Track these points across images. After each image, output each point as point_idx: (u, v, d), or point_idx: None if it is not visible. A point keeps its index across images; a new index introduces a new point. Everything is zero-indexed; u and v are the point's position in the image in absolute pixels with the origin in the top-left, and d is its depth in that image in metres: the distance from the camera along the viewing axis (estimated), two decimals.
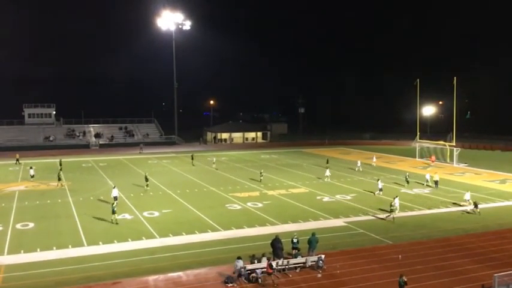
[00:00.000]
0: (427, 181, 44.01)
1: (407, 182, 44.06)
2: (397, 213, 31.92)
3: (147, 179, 43.52)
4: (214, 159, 60.84)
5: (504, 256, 24.37)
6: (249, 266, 21.33)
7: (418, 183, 45.13)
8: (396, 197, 32.78)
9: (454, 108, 59.01)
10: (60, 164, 56.80)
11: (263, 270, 21.26)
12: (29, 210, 35.05)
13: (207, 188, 43.91)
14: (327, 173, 47.81)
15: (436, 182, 42.70)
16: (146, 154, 73.65)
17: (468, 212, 33.68)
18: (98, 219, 31.93)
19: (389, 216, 31.71)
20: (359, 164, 55.04)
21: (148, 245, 26.51)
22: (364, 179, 48.22)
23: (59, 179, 45.66)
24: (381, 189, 39.63)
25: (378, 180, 41.53)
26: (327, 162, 58.05)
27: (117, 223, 30.35)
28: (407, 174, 46.21)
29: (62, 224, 30.94)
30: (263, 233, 28.34)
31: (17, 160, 62.11)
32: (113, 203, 31.76)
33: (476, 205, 33.65)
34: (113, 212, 30.60)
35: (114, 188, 37.09)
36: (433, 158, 61.21)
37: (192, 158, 61.99)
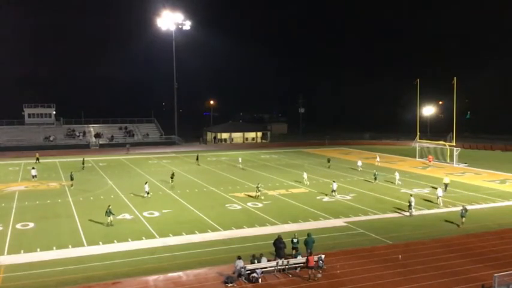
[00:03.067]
0: (446, 185, 41.97)
1: (375, 178, 45.48)
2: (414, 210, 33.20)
3: (173, 176, 45.68)
4: (240, 159, 60.45)
5: (504, 256, 24.35)
6: (249, 266, 21.34)
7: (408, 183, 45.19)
8: (411, 195, 34.49)
9: (454, 108, 59.01)
10: (83, 163, 57.62)
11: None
12: (29, 210, 35.04)
13: (207, 188, 43.91)
14: (305, 175, 47.17)
15: (446, 185, 41.72)
16: (147, 154, 73.64)
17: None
18: (98, 219, 31.89)
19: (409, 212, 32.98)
20: (360, 163, 55.10)
21: (148, 245, 26.49)
22: (364, 179, 48.15)
23: (71, 179, 45.00)
24: (334, 191, 39.38)
25: (334, 181, 40.99)
26: (328, 162, 58.03)
27: (112, 225, 30.09)
28: (375, 171, 47.69)
29: (62, 224, 30.94)
30: (263, 233, 28.34)
31: (37, 159, 62.15)
32: (109, 205, 31.12)
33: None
34: (108, 214, 30.12)
35: (146, 183, 40.05)
36: (431, 157, 61.21)
37: (197, 159, 62.09)
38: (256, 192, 38.77)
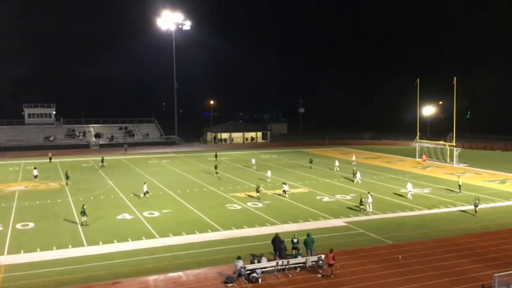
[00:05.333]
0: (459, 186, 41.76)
1: (354, 176, 47.18)
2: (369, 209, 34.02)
3: (216, 167, 50.75)
4: (253, 160, 59.67)
5: (504, 256, 24.37)
6: (249, 266, 21.34)
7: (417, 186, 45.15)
8: (369, 192, 35.36)
9: (454, 108, 58.98)
10: (102, 161, 58.80)
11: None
12: (29, 210, 35.05)
13: (207, 188, 43.92)
14: (268, 173, 47.51)
15: (459, 186, 41.25)
16: (147, 154, 73.61)
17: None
18: (97, 219, 31.91)
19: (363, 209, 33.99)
20: (337, 163, 55.29)
21: (148, 245, 26.51)
22: (364, 178, 48.12)
23: (67, 178, 45.76)
24: (285, 191, 39.16)
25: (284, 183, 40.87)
26: (311, 162, 58.03)
27: (87, 225, 30.11)
28: (354, 169, 49.44)
29: (62, 224, 30.95)
30: (263, 233, 28.34)
31: (50, 159, 62.55)
32: (83, 205, 31.11)
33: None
34: (83, 214, 30.23)
35: (144, 184, 40.04)
36: (425, 157, 61.16)
37: (216, 156, 64.64)
38: (256, 193, 38.44)
